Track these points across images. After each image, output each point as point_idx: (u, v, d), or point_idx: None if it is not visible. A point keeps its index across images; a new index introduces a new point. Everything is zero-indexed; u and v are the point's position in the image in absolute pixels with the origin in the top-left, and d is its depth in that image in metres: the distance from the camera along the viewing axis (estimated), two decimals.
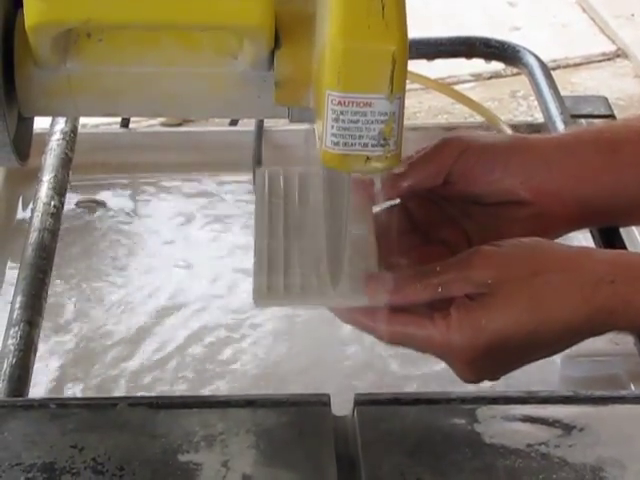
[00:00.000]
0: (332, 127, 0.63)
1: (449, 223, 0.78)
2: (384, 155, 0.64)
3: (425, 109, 2.52)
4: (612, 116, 1.02)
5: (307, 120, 0.69)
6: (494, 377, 0.74)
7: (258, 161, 1.00)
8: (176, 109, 0.74)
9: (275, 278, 0.71)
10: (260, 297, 0.71)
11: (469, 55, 1.07)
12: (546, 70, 1.02)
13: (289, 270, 0.72)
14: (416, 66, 1.13)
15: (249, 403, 0.69)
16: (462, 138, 0.77)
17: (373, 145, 0.63)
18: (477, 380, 0.73)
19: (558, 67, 2.72)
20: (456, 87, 2.70)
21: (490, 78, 2.63)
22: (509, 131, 1.01)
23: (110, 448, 0.65)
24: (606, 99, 1.05)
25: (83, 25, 0.66)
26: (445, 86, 1.08)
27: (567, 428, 0.68)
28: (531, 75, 1.02)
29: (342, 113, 0.63)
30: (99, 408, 0.69)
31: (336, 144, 0.63)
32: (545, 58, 2.82)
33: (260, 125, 1.01)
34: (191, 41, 0.70)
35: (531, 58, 1.04)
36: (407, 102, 2.30)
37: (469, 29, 2.70)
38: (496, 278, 0.69)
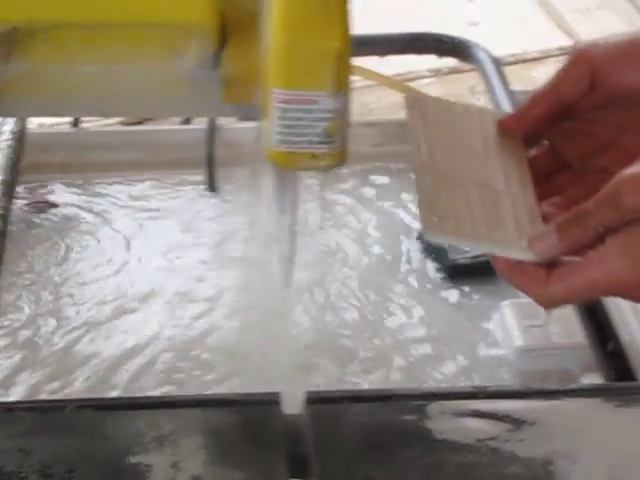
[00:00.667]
0: (277, 125, 0.63)
1: (603, 146, 0.72)
2: (330, 152, 0.63)
3: (384, 105, 2.52)
4: None
5: (256, 118, 0.69)
6: None
7: (210, 159, 0.99)
8: (123, 108, 0.73)
9: (443, 212, 0.66)
10: (430, 229, 0.65)
11: (421, 51, 1.07)
12: (497, 65, 1.02)
13: (456, 207, 0.67)
14: (375, 62, 1.14)
15: (199, 403, 0.69)
16: (594, 46, 0.70)
17: (318, 142, 0.63)
18: None
19: (517, 62, 2.72)
20: (415, 83, 2.71)
21: (449, 73, 2.62)
22: None
23: (58, 451, 0.65)
24: None
25: (25, 24, 0.65)
26: (398, 82, 1.08)
27: (517, 422, 0.68)
28: (483, 70, 1.03)
29: (287, 111, 0.62)
30: (46, 411, 0.68)
31: (282, 142, 0.63)
32: (504, 53, 2.83)
33: (212, 123, 1.01)
34: (137, 39, 0.69)
35: (483, 53, 1.04)
36: (366, 98, 2.30)
37: (426, 25, 2.70)
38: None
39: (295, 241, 0.69)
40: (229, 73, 0.67)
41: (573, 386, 0.76)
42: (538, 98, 0.70)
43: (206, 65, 0.68)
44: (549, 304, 0.66)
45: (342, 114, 0.63)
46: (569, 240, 0.65)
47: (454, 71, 2.76)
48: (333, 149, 0.63)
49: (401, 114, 1.26)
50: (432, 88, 2.73)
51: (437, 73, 2.69)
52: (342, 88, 0.62)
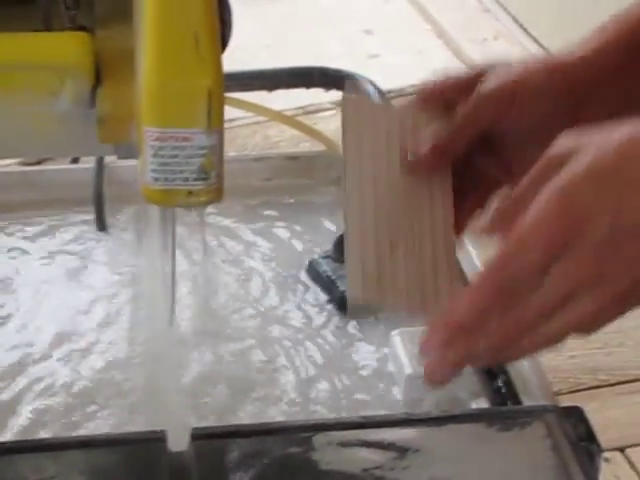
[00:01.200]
0: (151, 163, 0.63)
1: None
2: (206, 188, 0.64)
3: (287, 137, 2.53)
4: None
5: (135, 156, 0.69)
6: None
7: (99, 197, 0.99)
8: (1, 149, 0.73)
9: (369, 275, 0.66)
10: (355, 294, 0.65)
11: (308, 85, 1.08)
12: (383, 96, 1.04)
13: (382, 268, 0.66)
14: (276, 95, 1.15)
15: (83, 444, 0.68)
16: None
17: (194, 179, 0.63)
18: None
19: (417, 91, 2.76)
20: (317, 115, 2.73)
21: None
22: None
23: None
24: None
25: None
26: (286, 117, 1.08)
27: (402, 450, 0.69)
28: None
29: (161, 148, 0.63)
30: None
31: (156, 180, 0.63)
32: (404, 84, 2.87)
33: (100, 161, 1.01)
34: (9, 80, 0.69)
35: (369, 86, 1.05)
36: (269, 132, 2.31)
37: (328, 58, 2.73)
38: (579, 140, 0.61)
39: (175, 278, 0.69)
40: (104, 112, 0.67)
41: (455, 412, 0.77)
42: (458, 129, 0.70)
43: (82, 104, 0.68)
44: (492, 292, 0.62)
45: (217, 150, 0.63)
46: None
47: None
48: (209, 185, 0.64)
49: (305, 146, 1.27)
50: (335, 119, 2.76)
51: (339, 105, 2.72)
52: (215, 125, 0.63)
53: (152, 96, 0.62)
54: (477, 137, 0.70)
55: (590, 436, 0.74)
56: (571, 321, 0.60)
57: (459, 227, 0.71)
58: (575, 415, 0.75)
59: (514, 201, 0.62)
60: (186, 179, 0.63)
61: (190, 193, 0.64)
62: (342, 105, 0.74)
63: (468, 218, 0.72)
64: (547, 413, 0.72)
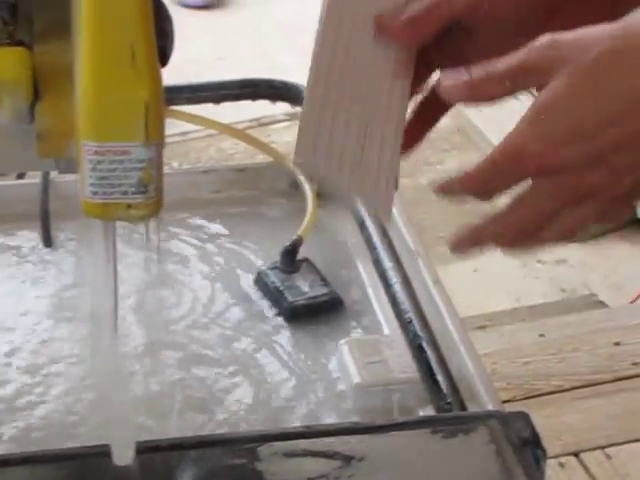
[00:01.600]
0: (90, 177, 0.63)
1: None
2: (145, 202, 0.64)
3: (241, 150, 2.53)
4: None
5: (75, 171, 0.69)
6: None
7: (45, 213, 0.99)
8: None
9: (321, 138, 0.67)
10: (302, 155, 0.67)
11: (254, 97, 1.08)
12: None
13: (333, 138, 0.67)
14: (231, 107, 1.15)
15: (26, 460, 0.68)
16: None
17: (133, 192, 0.63)
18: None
19: None
20: (271, 126, 2.74)
21: None
22: (296, 171, 1.02)
23: None
24: None
25: None
26: (233, 129, 1.08)
27: (347, 459, 0.69)
28: None
29: (99, 162, 0.63)
30: None
31: (95, 193, 0.63)
32: None
33: (46, 177, 1.00)
34: None
35: None
36: (224, 144, 2.31)
37: (283, 69, 2.73)
38: (567, 55, 0.62)
39: (117, 291, 0.69)
40: (43, 127, 0.67)
41: (400, 420, 0.77)
42: (433, 7, 0.68)
43: (21, 120, 0.68)
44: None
45: (155, 163, 0.63)
46: (485, 91, 0.66)
47: None
48: (148, 198, 0.64)
49: (259, 158, 1.27)
50: (290, 131, 2.77)
51: (293, 117, 2.72)
52: (153, 138, 0.62)
53: (89, 110, 0.62)
54: (449, 21, 0.69)
55: (536, 441, 0.75)
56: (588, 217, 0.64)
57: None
58: (521, 420, 0.75)
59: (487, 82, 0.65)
60: (125, 192, 0.63)
61: (129, 206, 0.64)
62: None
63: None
64: (491, 419, 0.73)
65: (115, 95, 0.62)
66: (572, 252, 2.28)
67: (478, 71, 0.65)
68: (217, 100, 1.07)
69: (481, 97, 0.68)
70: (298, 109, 1.14)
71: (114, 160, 0.63)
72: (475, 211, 0.68)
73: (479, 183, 0.66)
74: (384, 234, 0.97)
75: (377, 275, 0.96)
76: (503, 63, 0.64)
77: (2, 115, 0.67)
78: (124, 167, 0.63)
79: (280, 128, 2.66)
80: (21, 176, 1.06)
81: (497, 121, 2.58)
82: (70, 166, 0.69)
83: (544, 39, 0.63)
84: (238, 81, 1.09)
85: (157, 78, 0.63)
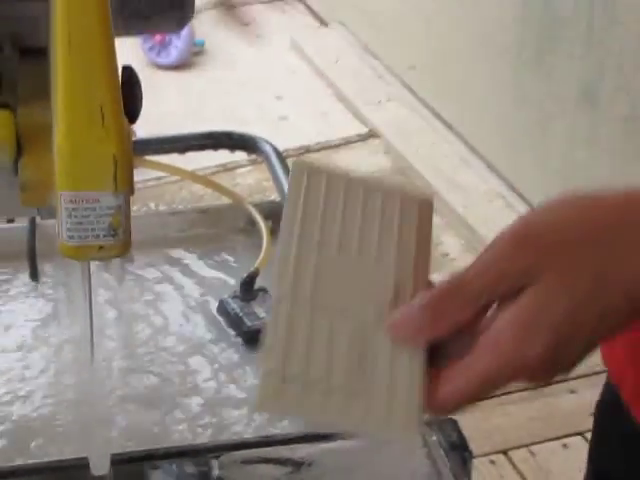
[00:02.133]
0: (66, 222, 0.63)
1: None
2: (115, 243, 0.64)
3: (210, 192, 2.53)
4: None
5: (55, 217, 0.69)
6: (567, 369, 0.52)
7: (32, 253, 0.98)
8: None
9: (290, 373, 0.47)
10: (265, 401, 0.47)
11: (215, 147, 1.09)
12: (280, 155, 1.04)
13: (311, 361, 0.47)
14: (202, 155, 1.15)
15: (9, 473, 0.67)
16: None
17: (104, 235, 0.63)
18: (550, 378, 0.52)
19: (322, 148, 2.78)
20: (237, 171, 2.74)
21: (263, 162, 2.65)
22: (253, 210, 1.02)
23: None
24: None
25: None
26: (196, 175, 1.08)
27: (297, 465, 0.69)
28: (268, 160, 1.05)
29: (74, 209, 0.63)
30: None
31: (71, 237, 0.63)
32: (310, 141, 2.88)
33: (32, 220, 0.99)
34: None
35: (267, 146, 1.06)
36: (195, 187, 2.28)
37: (246, 120, 2.74)
38: (537, 262, 0.49)
39: (92, 320, 0.69)
40: (25, 179, 0.66)
41: None
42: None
43: (6, 173, 0.67)
44: (442, 411, 0.50)
45: (124, 210, 0.63)
46: (444, 319, 0.49)
47: None
48: (118, 240, 0.63)
49: (220, 199, 1.27)
50: (251, 175, 2.77)
51: (254, 162, 2.73)
52: (121, 188, 0.62)
53: (64, 163, 0.62)
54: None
55: (463, 444, 0.75)
56: None
57: None
58: (450, 426, 0.76)
59: (449, 297, 0.49)
60: (97, 236, 0.63)
61: (101, 248, 0.63)
62: (291, 170, 0.54)
63: None
64: (424, 425, 0.73)
65: (87, 150, 0.62)
66: None
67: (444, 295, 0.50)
68: (183, 150, 1.07)
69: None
70: (253, 157, 1.15)
71: (87, 207, 0.62)
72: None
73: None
74: None
75: None
76: (477, 280, 0.50)
77: None
78: (96, 213, 0.63)
79: (244, 172, 2.66)
80: (11, 220, 1.06)
81: (432, 162, 2.60)
82: (51, 213, 0.69)
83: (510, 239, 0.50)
84: (201, 134, 1.09)
85: (124, 135, 0.63)
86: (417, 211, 0.54)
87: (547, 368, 0.50)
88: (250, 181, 2.57)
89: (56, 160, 0.62)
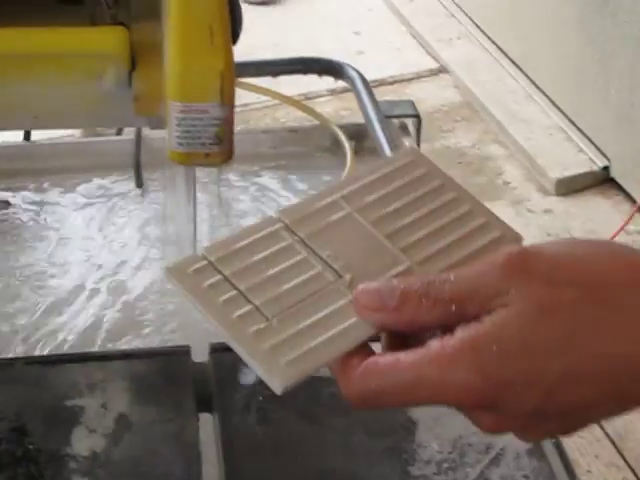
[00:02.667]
0: (176, 130, 0.63)
1: None
2: (219, 151, 0.63)
3: (292, 119, 2.52)
4: (417, 116, 1.03)
5: (164, 127, 0.69)
6: (538, 436, 0.43)
7: (138, 161, 0.98)
8: (55, 122, 0.72)
9: (217, 265, 0.44)
10: (175, 269, 0.43)
11: (305, 72, 1.07)
12: (365, 81, 1.02)
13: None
14: (281, 84, 1.14)
15: (125, 355, 0.68)
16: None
17: (210, 144, 0.63)
18: (501, 432, 0.42)
19: (395, 82, 2.74)
20: (316, 100, 2.72)
21: (342, 92, 2.63)
22: (338, 131, 1.00)
23: (8, 399, 0.64)
24: (412, 102, 1.06)
25: None
26: (293, 99, 1.07)
27: None
28: (353, 86, 1.03)
29: (184, 119, 0.62)
30: None
31: (180, 144, 0.63)
32: (385, 75, 2.85)
33: (138, 133, 1.00)
34: (64, 66, 0.68)
35: (353, 72, 1.04)
36: (278, 114, 2.27)
37: (324, 54, 2.71)
38: (521, 289, 0.40)
39: (195, 221, 0.69)
40: (138, 91, 0.66)
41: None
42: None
43: (121, 85, 0.67)
44: (357, 401, 0.42)
45: (229, 121, 0.63)
46: (409, 313, 0.41)
47: (347, 90, 2.79)
48: (222, 149, 0.63)
49: (297, 123, 1.27)
50: (331, 104, 2.75)
51: (333, 92, 2.70)
52: (227, 100, 0.62)
53: (176, 76, 0.62)
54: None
55: None
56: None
57: None
58: None
59: (425, 292, 0.42)
60: (203, 144, 0.63)
61: (207, 155, 0.63)
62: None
63: None
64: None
65: (197, 65, 0.61)
66: (556, 204, 2.26)
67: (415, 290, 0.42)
68: (275, 74, 1.06)
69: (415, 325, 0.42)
70: (340, 83, 1.14)
71: (195, 117, 0.62)
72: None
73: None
74: None
75: None
76: (451, 286, 0.42)
77: (106, 81, 0.67)
78: (203, 123, 0.62)
79: (323, 101, 2.64)
80: (119, 132, 1.06)
81: (498, 96, 2.55)
82: (160, 123, 0.69)
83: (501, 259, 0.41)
84: (292, 59, 1.07)
85: (230, 52, 0.63)
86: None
87: (487, 410, 0.40)
88: (329, 109, 2.56)
89: (168, 73, 0.62)
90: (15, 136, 1.19)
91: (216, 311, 0.43)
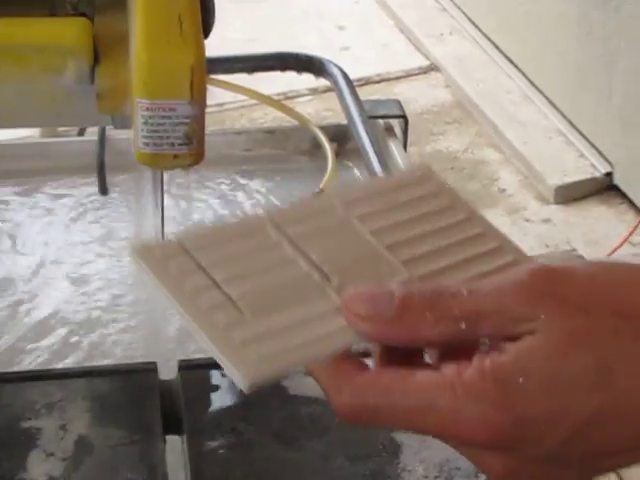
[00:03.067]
0: (142, 130, 0.63)
1: None
2: (189, 152, 0.64)
3: (270, 119, 2.53)
4: (404, 116, 1.04)
5: (129, 126, 0.69)
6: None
7: (101, 165, 0.99)
8: (11, 120, 0.73)
9: (190, 249, 0.43)
10: (140, 248, 0.43)
11: (283, 68, 1.08)
12: (348, 79, 1.03)
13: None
14: (258, 82, 1.15)
15: (86, 373, 0.68)
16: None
17: (179, 144, 0.64)
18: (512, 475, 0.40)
19: (382, 80, 2.76)
20: (296, 99, 2.73)
21: (325, 92, 2.65)
22: (318, 132, 1.01)
23: None
24: (399, 102, 1.07)
25: None
26: (269, 98, 1.08)
27: None
28: (335, 84, 1.04)
29: (150, 117, 0.63)
30: None
31: (147, 144, 0.64)
32: (371, 73, 2.87)
33: (102, 133, 1.00)
34: (21, 60, 0.69)
35: (335, 69, 1.05)
36: (255, 114, 2.28)
37: (306, 50, 2.72)
38: (551, 315, 0.38)
39: (163, 227, 0.69)
40: (102, 87, 0.67)
41: None
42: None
43: (83, 81, 0.68)
44: (349, 415, 0.40)
45: (199, 120, 0.64)
46: (408, 327, 0.39)
47: (330, 89, 2.80)
48: (192, 150, 0.64)
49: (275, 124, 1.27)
50: (312, 104, 2.76)
51: (315, 92, 2.71)
52: (197, 97, 0.63)
53: (142, 71, 0.62)
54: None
55: None
56: None
57: None
58: None
59: (431, 303, 0.39)
60: (172, 144, 0.64)
61: (176, 156, 0.64)
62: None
63: None
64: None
65: (165, 59, 0.62)
66: (555, 213, 2.27)
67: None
68: (250, 70, 1.06)
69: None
70: (321, 81, 1.15)
71: (163, 116, 0.63)
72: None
73: None
74: None
75: None
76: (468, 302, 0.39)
77: (67, 77, 0.68)
78: (172, 122, 0.63)
79: (304, 101, 2.65)
80: (82, 133, 1.07)
81: (492, 96, 2.57)
82: (124, 122, 0.69)
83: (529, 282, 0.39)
84: (269, 54, 1.08)
85: (201, 45, 0.63)
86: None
87: (496, 453, 0.38)
88: (310, 110, 2.57)
89: (134, 68, 0.63)
90: None
91: (184, 298, 0.41)
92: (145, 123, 0.63)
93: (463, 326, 0.38)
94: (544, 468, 0.39)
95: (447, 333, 0.39)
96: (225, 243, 0.44)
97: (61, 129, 1.32)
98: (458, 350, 0.39)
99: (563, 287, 0.39)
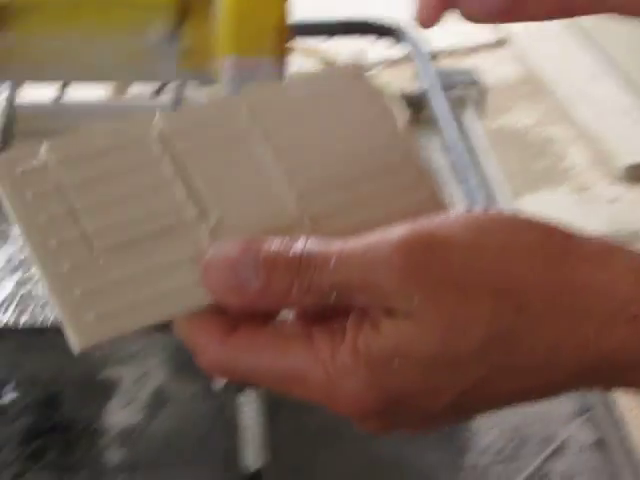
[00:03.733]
0: (228, 85, 0.65)
1: None
2: None
3: None
4: (478, 85, 1.04)
5: (212, 83, 0.71)
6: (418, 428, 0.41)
7: None
8: (98, 75, 0.75)
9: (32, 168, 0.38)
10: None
11: (364, 33, 1.09)
12: (425, 48, 1.04)
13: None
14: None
15: (164, 326, 0.70)
16: None
17: None
18: (388, 432, 0.40)
19: (452, 54, 2.75)
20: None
21: (395, 63, 2.65)
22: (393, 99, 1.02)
23: (40, 367, 0.66)
24: (474, 71, 1.07)
25: (11, 2, 0.66)
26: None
27: None
28: (413, 51, 1.04)
29: (236, 74, 0.64)
30: (32, 334, 0.70)
31: None
32: (440, 46, 2.85)
33: (179, 93, 1.01)
34: (108, 17, 0.70)
35: (416, 36, 1.06)
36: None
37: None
38: (426, 297, 0.37)
39: None
40: (187, 45, 0.68)
41: None
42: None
43: (167, 38, 0.69)
44: (218, 373, 0.40)
45: (282, 76, 0.65)
46: (273, 299, 0.37)
47: (399, 61, 2.79)
48: None
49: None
50: (385, 73, 2.76)
51: (384, 62, 2.71)
52: (282, 55, 0.64)
53: (230, 29, 0.64)
54: None
55: None
56: None
57: None
58: None
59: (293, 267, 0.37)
60: None
61: None
62: None
63: None
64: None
65: (252, 18, 0.63)
66: (624, 193, 2.25)
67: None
68: (330, 34, 1.07)
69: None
70: (391, 52, 1.15)
71: (248, 73, 0.64)
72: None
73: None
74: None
75: None
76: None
77: (153, 34, 0.69)
78: (257, 78, 0.64)
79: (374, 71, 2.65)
80: (158, 92, 1.08)
81: (564, 72, 2.54)
82: (206, 79, 0.71)
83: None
84: (352, 19, 1.09)
85: (285, 7, 0.65)
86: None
87: (375, 416, 0.38)
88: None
89: (221, 27, 0.64)
90: (43, 96, 1.22)
91: (35, 232, 0.37)
92: (232, 79, 0.64)
93: (334, 297, 0.37)
94: (420, 423, 0.40)
95: (317, 304, 0.37)
96: (96, 157, 0.39)
97: (134, 91, 1.33)
98: (330, 312, 0.38)
99: (438, 265, 0.37)
